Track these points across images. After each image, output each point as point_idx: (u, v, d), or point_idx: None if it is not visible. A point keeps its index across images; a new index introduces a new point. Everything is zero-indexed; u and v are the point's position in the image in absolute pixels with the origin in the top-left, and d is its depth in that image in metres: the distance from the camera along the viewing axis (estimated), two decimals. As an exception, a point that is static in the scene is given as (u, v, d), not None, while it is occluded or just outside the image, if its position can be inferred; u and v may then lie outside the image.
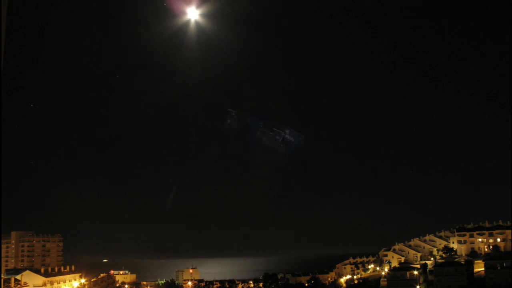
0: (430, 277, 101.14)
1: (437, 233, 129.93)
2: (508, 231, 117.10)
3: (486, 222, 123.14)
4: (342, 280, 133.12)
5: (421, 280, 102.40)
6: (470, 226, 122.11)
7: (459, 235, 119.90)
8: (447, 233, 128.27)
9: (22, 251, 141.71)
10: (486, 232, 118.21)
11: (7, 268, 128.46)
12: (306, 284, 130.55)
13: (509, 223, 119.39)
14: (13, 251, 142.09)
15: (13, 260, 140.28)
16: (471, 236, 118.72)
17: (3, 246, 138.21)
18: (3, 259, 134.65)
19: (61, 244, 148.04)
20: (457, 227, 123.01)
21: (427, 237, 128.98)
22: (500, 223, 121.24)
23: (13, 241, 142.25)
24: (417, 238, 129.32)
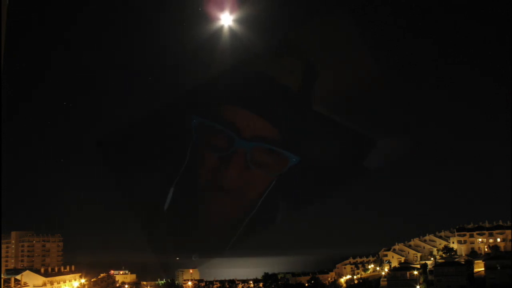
0: (430, 277, 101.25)
1: (437, 233, 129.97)
2: (508, 231, 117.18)
3: (486, 222, 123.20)
4: (342, 280, 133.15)
5: (421, 280, 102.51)
6: (470, 226, 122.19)
7: (459, 235, 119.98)
8: (447, 233, 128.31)
9: (22, 251, 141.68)
10: (486, 232, 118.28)
11: (7, 268, 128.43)
12: (306, 284, 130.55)
13: (509, 223, 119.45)
14: (13, 251, 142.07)
15: (13, 260, 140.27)
16: (471, 236, 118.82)
17: (3, 246, 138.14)
18: (3, 259, 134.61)
19: (61, 244, 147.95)
20: (457, 227, 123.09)
21: (427, 237, 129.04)
22: (500, 223, 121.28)
23: (13, 241, 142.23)
24: (417, 238, 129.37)
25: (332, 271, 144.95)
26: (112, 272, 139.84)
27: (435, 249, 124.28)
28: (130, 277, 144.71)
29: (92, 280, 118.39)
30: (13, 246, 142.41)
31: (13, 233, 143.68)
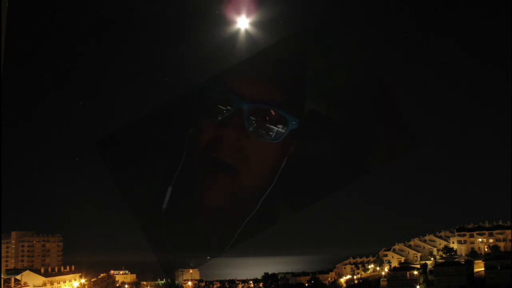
0: (430, 277, 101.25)
1: (437, 233, 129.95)
2: (508, 231, 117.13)
3: (486, 222, 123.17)
4: (342, 280, 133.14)
5: (421, 280, 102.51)
6: (470, 226, 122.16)
7: (459, 235, 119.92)
8: (447, 233, 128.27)
9: (22, 251, 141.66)
10: (486, 232, 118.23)
11: (7, 268, 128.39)
12: (306, 284, 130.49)
13: (509, 223, 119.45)
14: (13, 251, 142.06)
15: (13, 260, 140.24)
16: (471, 236, 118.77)
17: (3, 246, 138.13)
18: (3, 259, 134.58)
19: (61, 244, 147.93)
20: (457, 227, 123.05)
21: (427, 237, 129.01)
22: (500, 223, 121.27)
23: (13, 241, 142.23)
24: (417, 238, 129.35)
25: (332, 271, 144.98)
26: (112, 272, 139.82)
27: (435, 249, 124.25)
28: (130, 277, 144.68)
29: (92, 280, 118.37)
30: (13, 246, 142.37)
31: (13, 233, 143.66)
